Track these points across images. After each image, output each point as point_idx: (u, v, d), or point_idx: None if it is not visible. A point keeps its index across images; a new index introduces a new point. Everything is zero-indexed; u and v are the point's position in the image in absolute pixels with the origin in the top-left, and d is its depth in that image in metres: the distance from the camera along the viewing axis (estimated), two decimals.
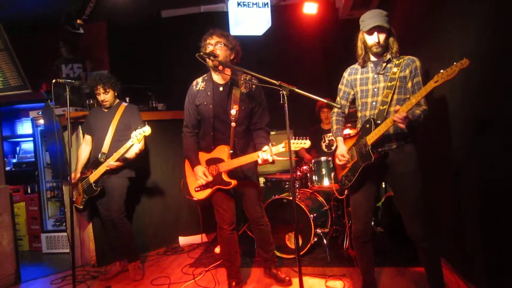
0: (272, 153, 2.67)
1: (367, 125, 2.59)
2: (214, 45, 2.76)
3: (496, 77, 2.33)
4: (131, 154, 3.49)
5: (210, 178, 2.87)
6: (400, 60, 2.57)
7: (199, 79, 2.98)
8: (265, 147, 2.70)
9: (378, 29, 2.52)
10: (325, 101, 2.39)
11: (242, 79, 2.88)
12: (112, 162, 3.39)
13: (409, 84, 2.56)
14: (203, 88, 2.91)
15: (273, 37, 5.20)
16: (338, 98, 2.90)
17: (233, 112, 2.83)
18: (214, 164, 2.89)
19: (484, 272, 2.62)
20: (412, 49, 3.58)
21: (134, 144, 3.30)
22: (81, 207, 3.62)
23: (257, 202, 3.11)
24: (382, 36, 2.54)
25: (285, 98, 2.19)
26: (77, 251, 4.03)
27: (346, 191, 2.74)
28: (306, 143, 2.55)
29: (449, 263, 3.25)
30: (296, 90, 2.23)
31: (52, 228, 4.80)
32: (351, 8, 4.92)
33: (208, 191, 2.95)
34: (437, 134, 3.27)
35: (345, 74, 2.84)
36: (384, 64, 2.61)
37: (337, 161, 2.81)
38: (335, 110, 2.91)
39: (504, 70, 2.22)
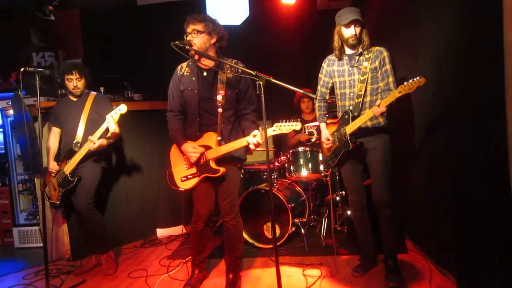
0: (263, 137, 2.58)
1: (346, 116, 2.91)
2: (191, 34, 2.68)
3: (466, 70, 2.38)
4: (109, 133, 3.41)
5: (202, 149, 2.76)
6: (370, 54, 2.86)
7: (184, 64, 2.89)
8: (255, 131, 2.63)
9: (355, 22, 2.78)
10: (301, 91, 2.39)
11: (228, 63, 2.79)
12: (94, 139, 3.24)
13: (379, 73, 2.87)
14: (187, 73, 2.83)
15: (251, 26, 5.16)
16: (318, 87, 3.16)
17: (219, 97, 2.76)
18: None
19: (455, 258, 2.69)
20: (388, 39, 3.63)
21: (110, 124, 3.22)
22: (58, 202, 3.48)
23: (229, 193, 2.89)
24: (358, 29, 2.81)
25: (262, 88, 2.17)
26: (51, 245, 3.93)
27: (330, 169, 3.28)
28: (298, 125, 2.53)
29: (422, 250, 3.33)
30: (273, 80, 2.21)
31: (25, 222, 4.66)
32: None
33: (195, 180, 2.86)
34: (411, 124, 3.33)
35: (324, 65, 3.10)
36: (357, 58, 2.90)
37: (324, 145, 3.16)
38: (317, 97, 3.18)
39: (474, 64, 2.27)
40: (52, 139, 3.60)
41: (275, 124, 2.56)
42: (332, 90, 3.14)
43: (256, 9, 5.19)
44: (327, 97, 3.18)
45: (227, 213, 2.89)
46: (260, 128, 2.64)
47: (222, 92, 2.77)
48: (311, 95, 2.55)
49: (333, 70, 3.02)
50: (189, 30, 2.69)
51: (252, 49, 5.36)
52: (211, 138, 2.80)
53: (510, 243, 2.00)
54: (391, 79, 2.84)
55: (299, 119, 2.59)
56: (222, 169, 2.77)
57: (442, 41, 2.68)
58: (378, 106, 2.59)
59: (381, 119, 2.90)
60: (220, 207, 2.94)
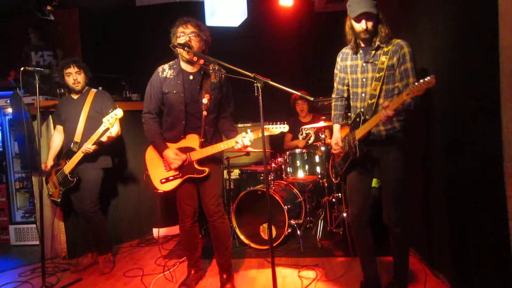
0: (251, 138, 2.67)
1: (358, 119, 2.56)
2: (189, 35, 2.68)
3: (462, 73, 2.41)
4: (105, 137, 3.43)
5: (184, 157, 2.79)
6: (389, 47, 2.47)
7: (166, 66, 2.88)
8: (243, 133, 2.68)
9: (366, 15, 2.39)
10: (298, 93, 2.41)
11: (211, 68, 2.84)
12: (89, 146, 3.28)
13: (397, 72, 2.49)
14: (171, 76, 2.83)
15: (249, 28, 5.18)
16: (335, 84, 2.83)
17: (205, 101, 2.80)
18: (184, 153, 2.82)
19: (449, 261, 2.73)
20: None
21: (107, 128, 3.24)
22: (59, 200, 3.52)
23: (214, 193, 2.91)
24: (370, 23, 2.42)
25: (260, 90, 2.19)
26: (47, 243, 3.94)
27: (339, 177, 2.79)
28: (285, 127, 2.61)
29: (417, 253, 3.36)
30: (271, 82, 2.23)
31: (21, 220, 4.68)
32: (326, 1, 4.94)
33: (177, 182, 2.86)
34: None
35: (338, 59, 2.76)
36: (373, 52, 2.52)
37: (332, 149, 2.82)
38: (333, 95, 2.85)
39: (470, 68, 2.30)
40: (56, 136, 3.62)
41: (259, 130, 2.56)
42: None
43: (254, 11, 5.20)
44: (345, 95, 2.81)
45: (214, 212, 2.90)
46: (248, 130, 2.70)
47: (207, 96, 2.80)
48: (308, 97, 2.55)
49: (346, 66, 2.67)
50: (187, 31, 2.69)
51: (250, 51, 5.39)
52: (194, 139, 2.83)
53: (503, 247, 2.03)
54: (411, 79, 2.42)
55: (285, 122, 2.64)
56: (207, 170, 2.81)
57: (439, 45, 2.70)
58: (385, 108, 2.24)
59: (396, 124, 2.54)
60: (205, 207, 2.94)
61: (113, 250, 3.79)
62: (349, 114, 2.80)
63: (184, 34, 2.69)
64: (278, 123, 2.63)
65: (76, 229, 3.87)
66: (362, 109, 2.58)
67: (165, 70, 2.86)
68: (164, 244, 4.29)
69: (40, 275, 3.08)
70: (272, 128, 2.65)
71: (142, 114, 2.93)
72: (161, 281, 3.28)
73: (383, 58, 2.47)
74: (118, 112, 3.12)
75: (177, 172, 2.86)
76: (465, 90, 2.38)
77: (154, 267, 3.60)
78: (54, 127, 3.69)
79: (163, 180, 2.90)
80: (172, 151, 2.81)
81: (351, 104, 2.73)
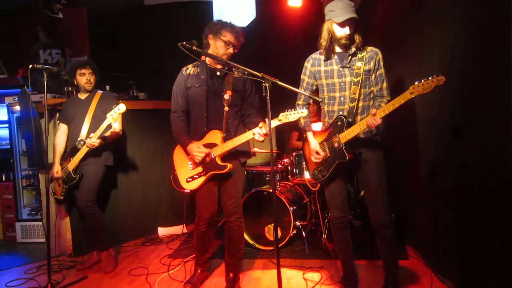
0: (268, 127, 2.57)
1: (339, 123, 2.58)
2: (226, 43, 2.78)
3: (472, 78, 2.38)
4: (109, 132, 3.46)
5: (207, 150, 2.79)
6: (363, 53, 2.56)
7: (190, 66, 2.96)
8: (261, 124, 2.62)
9: (351, 21, 2.47)
10: (306, 94, 2.40)
11: (236, 66, 2.85)
12: (94, 139, 3.29)
13: (373, 77, 2.59)
14: (195, 72, 2.90)
15: (257, 28, 5.17)
16: (302, 89, 2.79)
17: (227, 96, 2.83)
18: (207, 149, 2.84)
19: (455, 266, 2.70)
20: (394, 46, 3.63)
21: (111, 123, 3.26)
22: (62, 198, 3.53)
23: (234, 193, 2.94)
24: (352, 29, 2.50)
25: (268, 90, 2.19)
26: (53, 240, 3.95)
27: (319, 184, 2.76)
28: (304, 112, 2.50)
29: (423, 257, 3.33)
30: (279, 82, 2.22)
31: (28, 217, 4.71)
32: None
33: (202, 180, 2.86)
34: (414, 130, 3.33)
35: (307, 65, 2.78)
36: (350, 58, 2.58)
37: (312, 159, 2.74)
38: (300, 102, 2.83)
39: (480, 73, 2.28)
40: (59, 136, 3.63)
41: (281, 114, 2.54)
42: (317, 93, 2.82)
43: (262, 11, 5.20)
44: (311, 101, 2.86)
45: (232, 213, 2.92)
46: (266, 119, 2.58)
47: (229, 91, 2.83)
48: (317, 98, 2.54)
49: (319, 71, 2.69)
50: (236, 42, 2.84)
51: (258, 51, 5.37)
52: (215, 135, 2.83)
53: (510, 252, 2.00)
54: (385, 84, 2.59)
55: (304, 107, 2.55)
56: (229, 165, 2.79)
57: (448, 49, 2.67)
58: (374, 115, 2.31)
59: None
60: (224, 207, 2.96)
61: (116, 248, 3.79)
62: (326, 120, 2.74)
63: (231, 42, 2.80)
64: (297, 108, 2.50)
65: (82, 226, 3.88)
66: (341, 112, 2.62)
67: (189, 68, 2.95)
68: (169, 243, 4.29)
69: (46, 273, 3.09)
70: (290, 114, 2.53)
71: (170, 115, 2.96)
72: (166, 280, 3.28)
73: (358, 64, 2.55)
74: (121, 107, 3.16)
75: (201, 170, 2.86)
76: (475, 96, 2.36)
77: (159, 266, 3.60)
78: (58, 126, 3.70)
79: (188, 179, 2.91)
80: (195, 145, 2.82)
81: (326, 108, 2.71)
